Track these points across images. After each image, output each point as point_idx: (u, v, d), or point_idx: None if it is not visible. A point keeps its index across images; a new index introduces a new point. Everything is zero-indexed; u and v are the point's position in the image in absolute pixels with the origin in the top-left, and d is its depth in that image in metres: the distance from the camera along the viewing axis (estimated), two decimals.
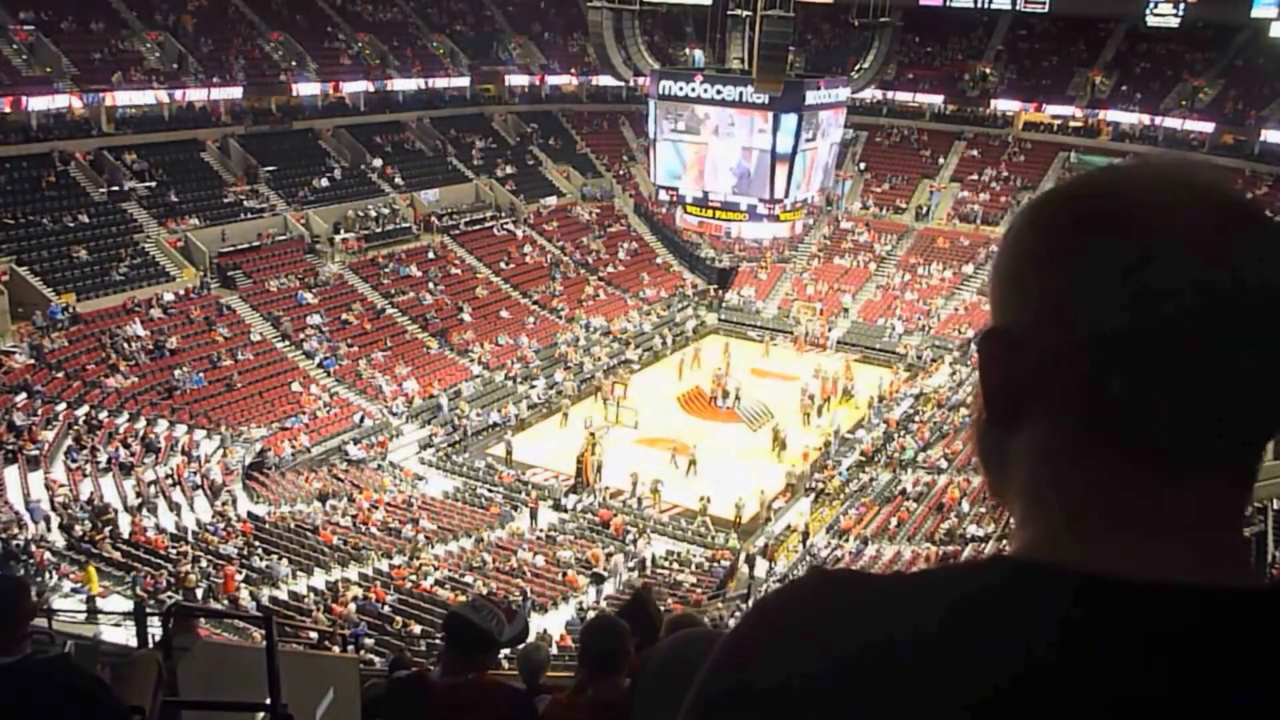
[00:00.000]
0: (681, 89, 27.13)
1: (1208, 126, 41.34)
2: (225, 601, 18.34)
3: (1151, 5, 40.84)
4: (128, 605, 15.18)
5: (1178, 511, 0.69)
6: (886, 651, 0.65)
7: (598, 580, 22.32)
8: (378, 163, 39.24)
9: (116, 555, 19.48)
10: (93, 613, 14.84)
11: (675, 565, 23.54)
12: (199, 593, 18.34)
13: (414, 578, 21.12)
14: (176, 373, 27.57)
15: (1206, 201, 0.70)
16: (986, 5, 44.58)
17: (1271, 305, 0.67)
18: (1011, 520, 0.77)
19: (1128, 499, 0.69)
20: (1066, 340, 0.69)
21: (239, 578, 19.66)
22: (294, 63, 39.37)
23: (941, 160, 45.48)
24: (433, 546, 23.39)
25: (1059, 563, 0.68)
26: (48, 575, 18.08)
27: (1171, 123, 42.01)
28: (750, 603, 20.58)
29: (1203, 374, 0.67)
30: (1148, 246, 0.67)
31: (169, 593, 17.86)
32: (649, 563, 23.46)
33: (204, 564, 19.67)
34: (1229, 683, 0.61)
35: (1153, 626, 0.64)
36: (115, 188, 32.07)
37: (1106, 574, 0.66)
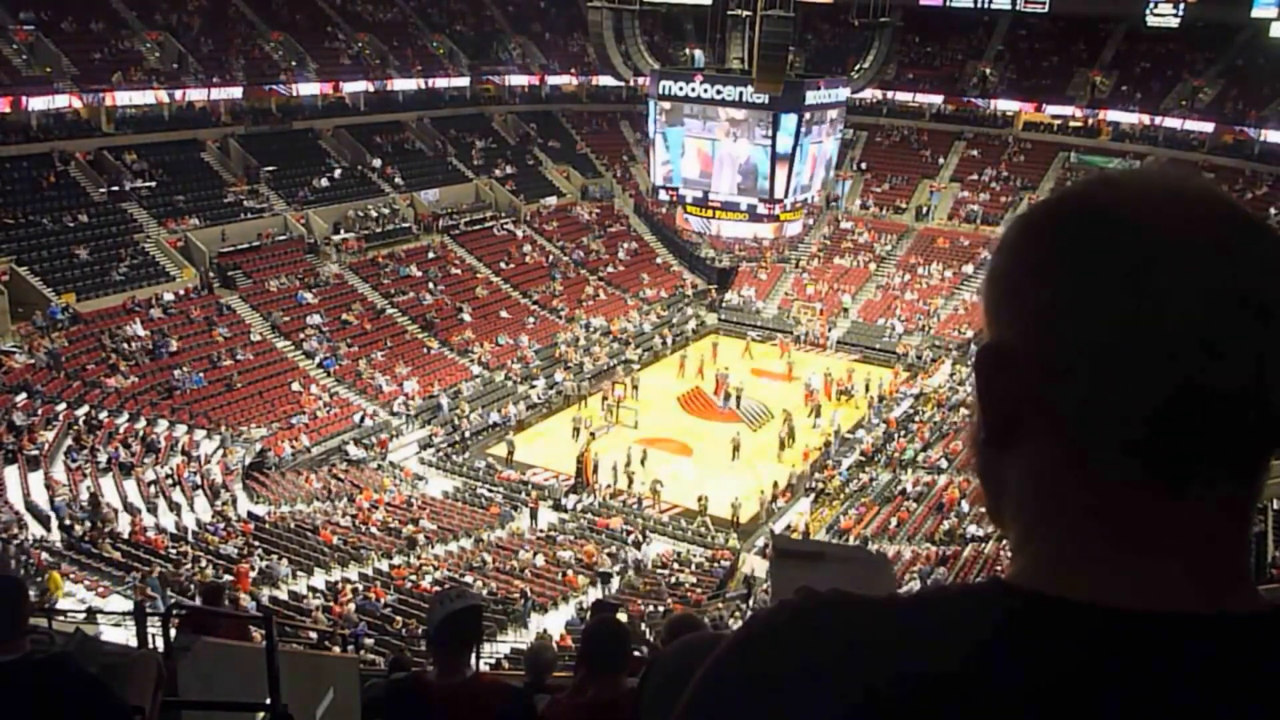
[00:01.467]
0: (681, 89, 27.14)
1: (1208, 126, 41.35)
2: (226, 602, 18.30)
3: (1151, 5, 40.83)
4: (127, 605, 15.17)
5: (1177, 534, 0.67)
6: (873, 679, 0.65)
7: (605, 580, 22.37)
8: (378, 163, 39.25)
9: (116, 555, 19.47)
10: (91, 613, 14.82)
11: (675, 565, 23.56)
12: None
13: (414, 578, 21.12)
14: (176, 373, 27.57)
15: (1200, 209, 0.68)
16: (986, 5, 44.57)
17: (1272, 315, 0.65)
18: (1008, 543, 0.76)
19: (1125, 522, 0.68)
20: (1059, 355, 0.68)
21: (253, 575, 19.82)
22: (294, 63, 39.38)
23: (941, 160, 45.49)
24: (433, 546, 23.39)
25: (1053, 591, 0.67)
26: (48, 576, 18.05)
27: (1171, 123, 42.01)
28: (750, 603, 20.61)
29: (1201, 388, 0.65)
30: (1141, 256, 0.66)
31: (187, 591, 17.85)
32: (642, 564, 23.47)
33: (204, 564, 19.65)
34: (1217, 711, 0.61)
35: (1145, 657, 0.63)
36: (115, 188, 32.09)
37: (1101, 604, 0.65)
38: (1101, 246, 0.68)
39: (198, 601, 10.00)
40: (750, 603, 21.06)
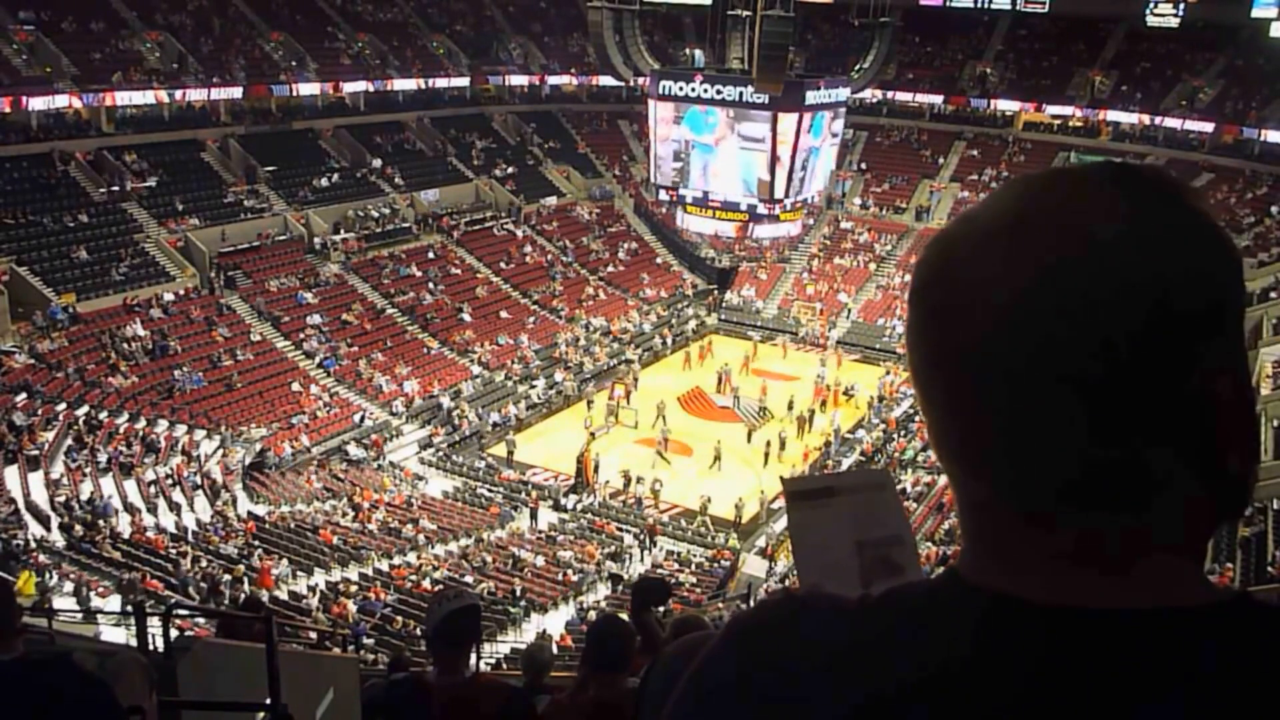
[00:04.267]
0: (681, 89, 27.11)
1: (1208, 126, 41.34)
2: (225, 601, 18.33)
3: (1151, 5, 40.84)
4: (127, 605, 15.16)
5: (1109, 535, 0.67)
6: (854, 685, 0.66)
7: (615, 581, 22.37)
8: (378, 163, 39.24)
9: (116, 555, 19.47)
10: (91, 613, 14.83)
11: (675, 565, 23.55)
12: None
13: (414, 578, 21.12)
14: (176, 373, 27.57)
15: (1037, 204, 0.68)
16: (986, 5, 44.58)
17: (1186, 311, 0.63)
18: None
19: (1022, 532, 0.69)
20: (942, 376, 0.71)
21: (275, 572, 20.06)
22: (294, 63, 39.37)
23: (941, 160, 45.50)
24: (433, 546, 23.40)
25: (1013, 590, 0.68)
26: (48, 576, 18.07)
27: (1171, 123, 42.02)
28: (750, 604, 20.61)
29: (1123, 398, 0.64)
30: (958, 296, 0.68)
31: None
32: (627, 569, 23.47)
33: (204, 564, 19.67)
34: (1128, 705, 0.61)
35: (1116, 655, 0.63)
36: (115, 188, 32.09)
37: (1062, 604, 0.66)
38: (929, 281, 0.71)
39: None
40: (751, 604, 21.04)
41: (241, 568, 19.53)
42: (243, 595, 18.56)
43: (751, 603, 20.42)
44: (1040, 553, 0.68)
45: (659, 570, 23.34)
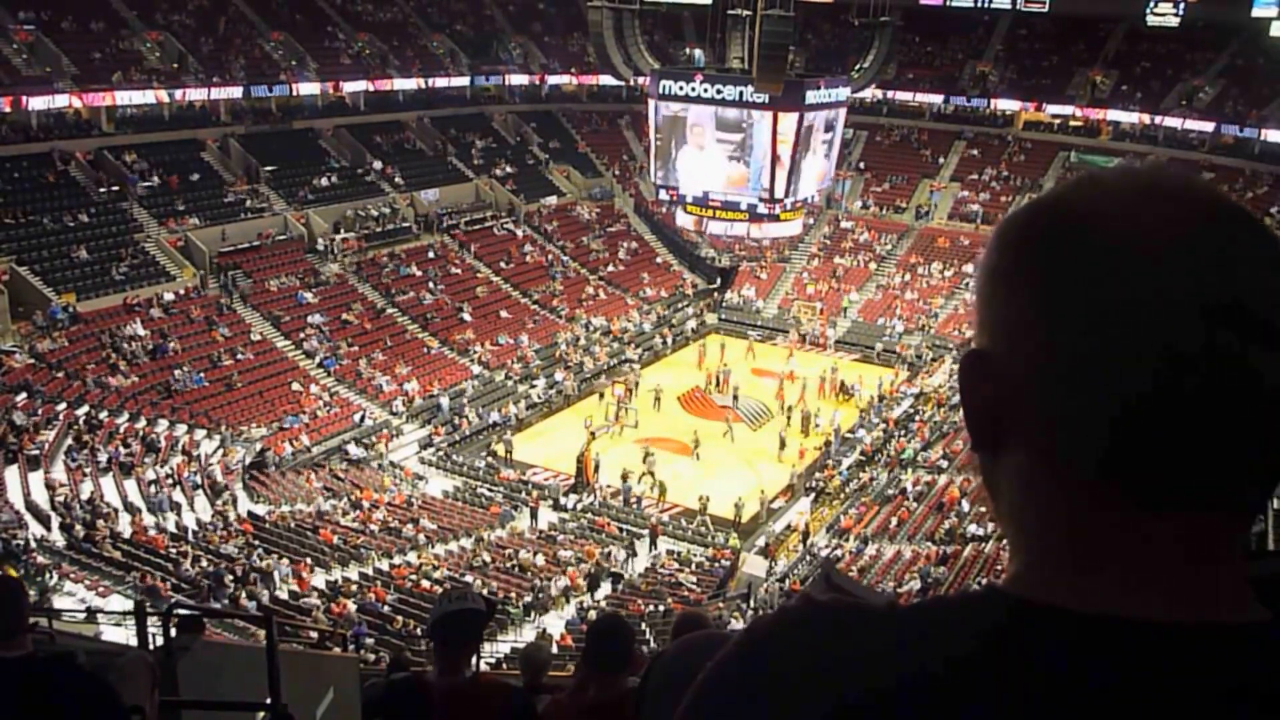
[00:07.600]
0: (681, 89, 27.09)
1: (1208, 126, 41.33)
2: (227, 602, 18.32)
3: (1151, 5, 40.79)
4: (127, 605, 15.16)
5: (1157, 542, 0.66)
6: (876, 693, 0.64)
7: (615, 579, 22.36)
8: (378, 163, 39.24)
9: (117, 555, 19.47)
10: (91, 613, 14.82)
11: (675, 565, 23.56)
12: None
13: (414, 577, 21.13)
14: (176, 372, 27.57)
15: (1180, 211, 0.66)
16: (986, 5, 44.52)
17: (1257, 318, 0.63)
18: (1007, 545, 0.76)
19: (1108, 532, 0.67)
20: (1037, 363, 0.67)
21: (276, 572, 20.21)
22: (294, 63, 39.37)
23: (941, 160, 45.48)
24: (433, 546, 23.41)
25: (1041, 598, 0.67)
26: (47, 576, 18.08)
27: (1171, 122, 42.00)
28: (750, 603, 20.58)
29: (1183, 396, 0.63)
30: (1115, 260, 0.65)
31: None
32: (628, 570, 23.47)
33: (204, 563, 19.67)
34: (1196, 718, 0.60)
35: (1123, 665, 0.62)
36: (115, 187, 32.08)
37: (1086, 611, 0.65)
38: (1070, 250, 0.66)
39: None
40: (751, 602, 21.06)
41: (286, 560, 20.13)
42: (243, 595, 18.62)
43: (752, 602, 20.30)
44: (1137, 552, 0.66)
45: (659, 572, 23.36)
